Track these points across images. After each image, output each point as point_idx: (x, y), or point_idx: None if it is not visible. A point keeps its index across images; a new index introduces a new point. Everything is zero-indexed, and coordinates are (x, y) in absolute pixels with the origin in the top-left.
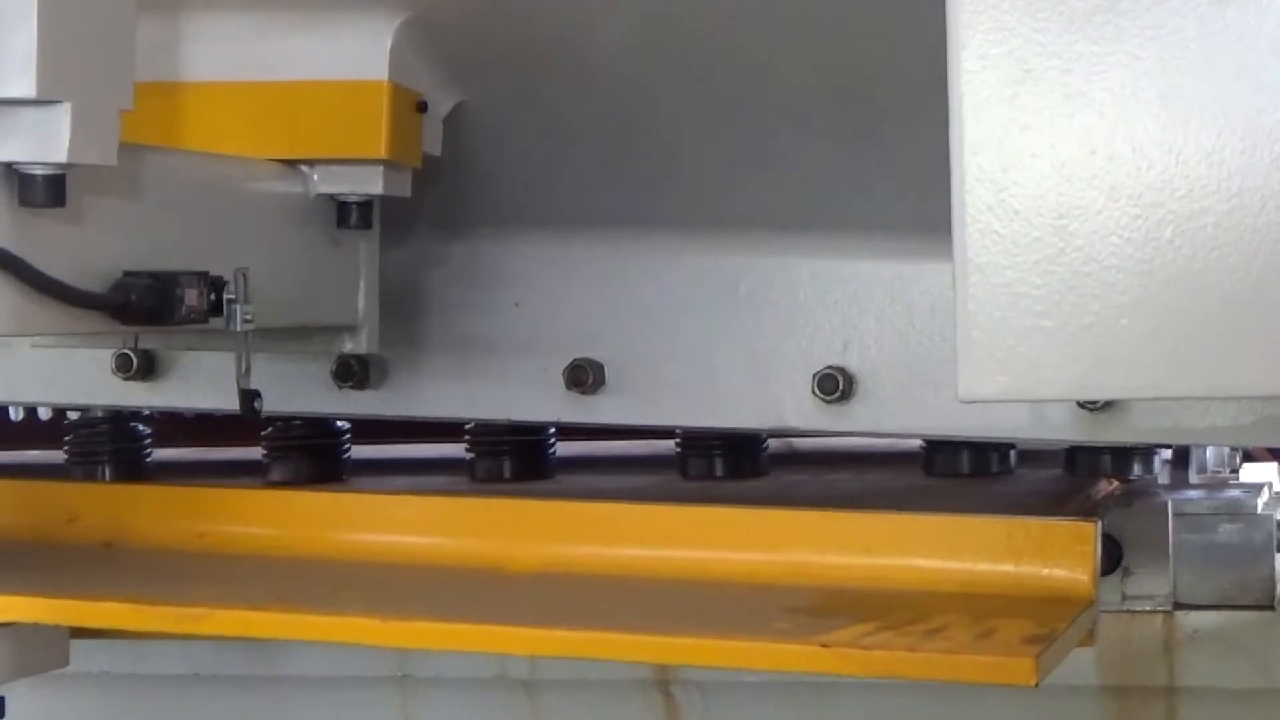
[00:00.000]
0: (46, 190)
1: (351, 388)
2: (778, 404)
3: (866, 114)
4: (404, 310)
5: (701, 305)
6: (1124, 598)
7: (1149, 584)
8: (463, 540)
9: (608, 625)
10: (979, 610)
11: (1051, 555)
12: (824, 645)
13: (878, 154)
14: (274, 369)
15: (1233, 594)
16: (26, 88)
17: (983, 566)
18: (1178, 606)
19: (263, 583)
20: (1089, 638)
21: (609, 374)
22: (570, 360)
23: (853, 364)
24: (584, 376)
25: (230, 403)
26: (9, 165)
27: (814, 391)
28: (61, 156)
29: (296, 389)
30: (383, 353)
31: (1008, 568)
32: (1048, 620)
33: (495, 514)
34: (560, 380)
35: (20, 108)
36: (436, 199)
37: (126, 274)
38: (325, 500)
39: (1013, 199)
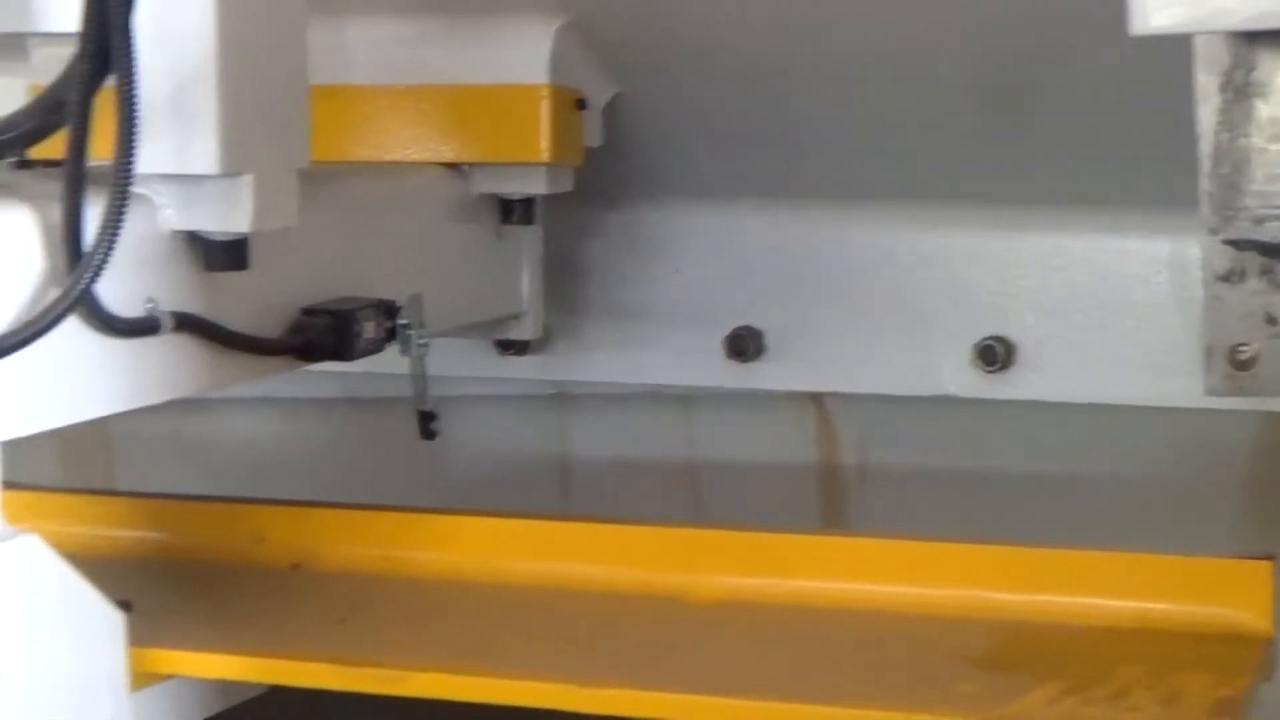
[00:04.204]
0: (230, 255)
1: (513, 354)
2: (937, 372)
3: (1026, 87)
4: (564, 278)
5: (862, 274)
6: None
7: None
8: (644, 570)
9: (790, 691)
10: (1159, 660)
11: (1227, 594)
12: None
13: (1038, 128)
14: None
15: None
16: (210, 164)
17: (1159, 605)
18: None
19: (449, 622)
20: (1269, 673)
21: (769, 341)
22: (730, 328)
23: (1013, 334)
24: (744, 344)
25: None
26: (193, 234)
27: (974, 361)
28: (245, 226)
29: (458, 355)
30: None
31: (1184, 606)
32: (1230, 673)
33: (676, 543)
34: (720, 348)
35: (203, 180)
36: (595, 171)
37: (305, 312)
38: (506, 526)
39: None
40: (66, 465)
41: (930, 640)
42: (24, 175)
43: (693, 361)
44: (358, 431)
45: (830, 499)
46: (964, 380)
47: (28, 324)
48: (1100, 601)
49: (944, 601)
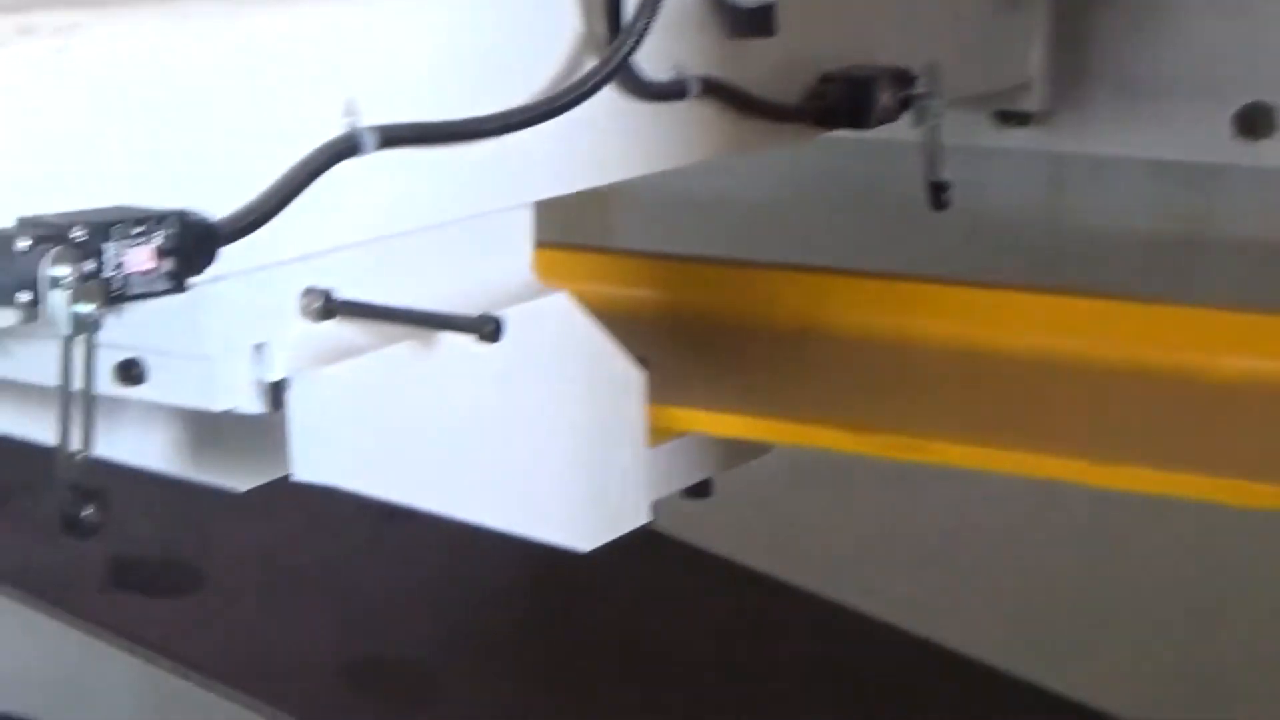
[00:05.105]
0: (755, 21)
1: (1015, 125)
2: None
3: None
4: (1070, 49)
5: None
6: None
7: None
8: (1161, 350)
9: None
10: None
11: None
12: None
13: None
14: None
15: None
16: None
17: None
18: None
19: (960, 394)
20: None
21: None
22: (1241, 104)
23: None
24: (1254, 121)
25: None
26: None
27: None
28: None
29: (952, 124)
30: None
31: None
32: None
33: (1194, 322)
34: (1228, 123)
35: None
36: None
37: (822, 79)
38: (1020, 300)
39: None
40: (565, 223)
41: None
42: None
43: (1199, 137)
44: (843, 192)
45: None
46: None
47: (570, 88)
48: None
49: None
